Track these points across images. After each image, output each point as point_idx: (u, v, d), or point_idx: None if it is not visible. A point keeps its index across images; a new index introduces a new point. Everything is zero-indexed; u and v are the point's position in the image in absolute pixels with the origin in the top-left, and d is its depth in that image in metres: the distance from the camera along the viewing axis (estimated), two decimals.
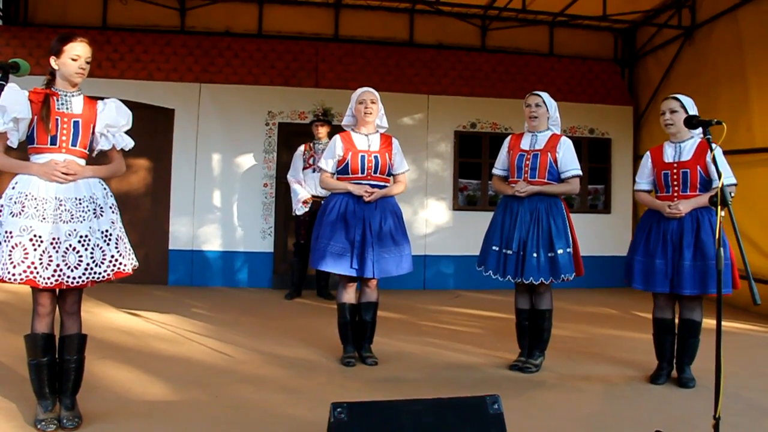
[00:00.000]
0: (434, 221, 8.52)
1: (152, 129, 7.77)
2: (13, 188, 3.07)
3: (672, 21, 8.20)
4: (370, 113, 4.50)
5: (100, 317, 5.78)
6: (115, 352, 4.59)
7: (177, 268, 7.95)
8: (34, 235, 2.99)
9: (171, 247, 7.93)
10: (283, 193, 7.84)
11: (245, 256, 8.09)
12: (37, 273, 2.98)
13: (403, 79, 8.60)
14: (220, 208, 8.08)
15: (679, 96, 4.18)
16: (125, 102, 3.45)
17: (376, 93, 4.58)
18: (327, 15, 8.76)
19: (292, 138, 7.97)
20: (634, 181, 4.62)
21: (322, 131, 7.28)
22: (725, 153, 6.52)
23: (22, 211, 3.01)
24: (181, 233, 7.96)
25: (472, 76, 8.82)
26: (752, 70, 6.91)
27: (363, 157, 4.47)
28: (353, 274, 4.41)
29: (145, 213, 7.94)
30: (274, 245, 8.16)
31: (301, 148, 7.30)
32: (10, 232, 2.97)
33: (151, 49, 8.14)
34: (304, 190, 7.15)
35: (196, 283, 7.95)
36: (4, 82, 2.58)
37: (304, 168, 7.20)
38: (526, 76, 8.94)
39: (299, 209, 7.15)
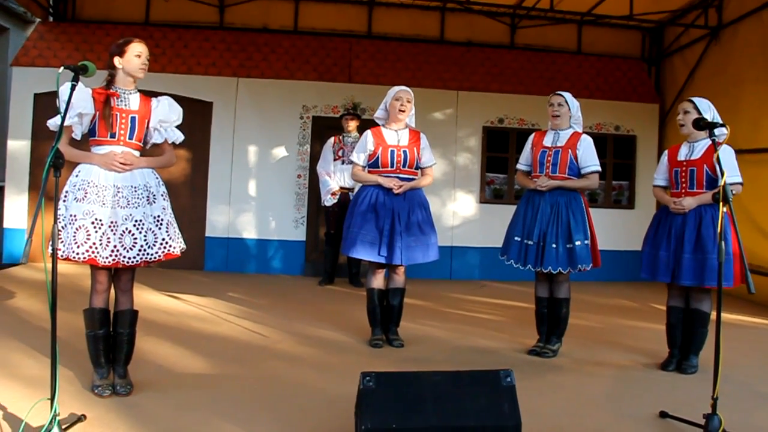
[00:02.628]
0: (462, 213, 8.77)
1: (191, 121, 8.03)
2: (77, 176, 3.40)
3: (698, 21, 8.32)
4: (404, 111, 4.77)
5: (141, 299, 6.12)
6: (158, 331, 4.93)
7: (213, 254, 8.32)
8: (96, 219, 3.33)
9: (208, 234, 8.30)
10: (315, 184, 8.12)
11: (279, 244, 8.44)
12: (98, 253, 3.31)
13: (434, 76, 8.84)
14: (255, 198, 8.42)
15: (695, 99, 4.37)
16: (165, 95, 3.76)
17: (412, 93, 4.86)
18: (360, 12, 9.04)
19: (325, 131, 8.26)
20: None
21: (352, 125, 7.56)
22: (749, 152, 6.72)
23: (85, 197, 3.34)
24: (218, 221, 8.33)
25: (501, 73, 9.03)
26: None
27: (393, 151, 4.75)
28: (382, 261, 4.69)
29: (183, 201, 8.29)
30: (306, 234, 8.48)
31: (331, 140, 7.58)
32: (75, 216, 3.30)
33: (191, 44, 8.49)
34: (333, 181, 7.44)
35: (231, 269, 8.31)
36: (75, 83, 2.92)
37: (334, 160, 7.49)
38: (554, 74, 9.12)
39: (328, 200, 7.44)
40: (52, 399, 2.74)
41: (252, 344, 4.76)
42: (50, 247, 3.02)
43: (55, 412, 2.72)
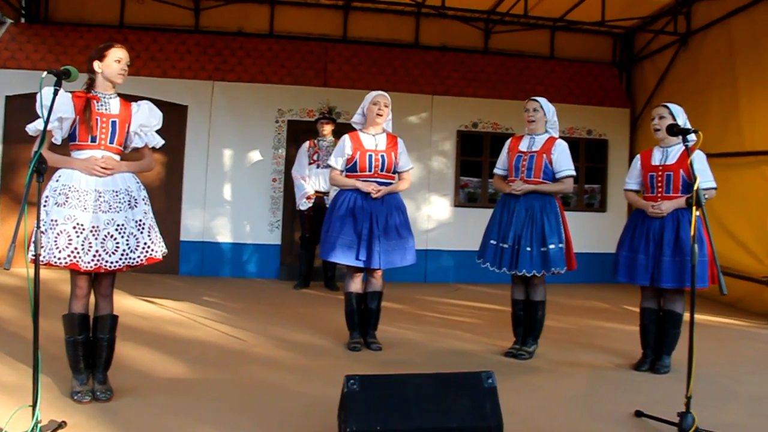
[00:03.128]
0: (436, 217, 8.83)
1: (166, 125, 7.68)
2: (57, 181, 3.39)
3: (668, 27, 8.50)
4: (381, 115, 4.82)
5: (117, 304, 5.96)
6: (135, 336, 4.90)
7: (188, 258, 8.27)
8: (77, 224, 3.31)
9: (182, 238, 8.24)
10: (290, 188, 8.11)
11: (254, 248, 8.42)
12: (80, 257, 3.30)
13: (408, 80, 8.90)
14: (231, 202, 8.40)
15: (669, 104, 4.48)
16: (138, 99, 3.75)
17: (389, 98, 4.90)
18: (336, 17, 9.05)
19: (300, 135, 8.26)
20: None
21: (327, 129, 7.59)
22: (717, 156, 6.87)
23: (66, 201, 3.33)
24: (193, 225, 8.29)
25: (475, 78, 9.12)
26: (742, 76, 7.19)
27: (371, 156, 4.79)
28: (361, 265, 4.73)
29: (158, 205, 7.99)
30: (281, 238, 8.48)
31: (306, 144, 7.61)
32: (56, 221, 3.29)
33: (166, 47, 8.44)
34: (308, 185, 7.46)
35: (206, 273, 8.27)
36: (58, 88, 2.91)
37: (309, 164, 7.51)
38: (527, 78, 9.24)
39: (303, 204, 7.46)
40: (33, 406, 2.73)
41: (230, 348, 4.76)
42: (31, 253, 3.02)
43: (37, 419, 2.71)
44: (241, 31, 8.80)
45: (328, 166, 5.04)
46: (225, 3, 8.63)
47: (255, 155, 8.45)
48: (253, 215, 8.43)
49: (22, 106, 7.35)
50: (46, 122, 2.93)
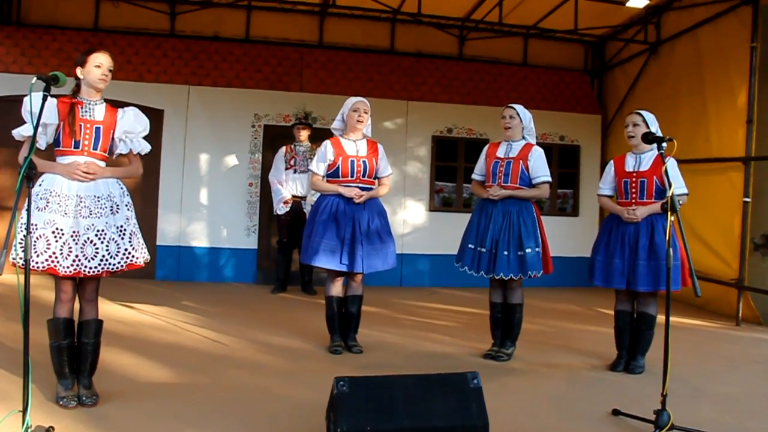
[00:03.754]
0: (411, 221, 8.92)
1: None
2: (39, 185, 3.39)
3: (638, 36, 8.71)
4: (362, 121, 4.89)
5: None
6: (117, 341, 4.88)
7: (164, 263, 8.24)
8: (56, 228, 3.32)
9: (159, 243, 8.21)
10: (267, 192, 8.14)
11: (230, 253, 8.42)
12: (58, 262, 3.31)
13: (384, 86, 8.98)
14: (207, 206, 8.39)
15: (642, 112, 4.62)
16: (115, 102, 3.77)
17: (369, 104, 4.98)
18: (312, 22, 9.10)
19: (276, 140, 8.28)
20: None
21: (303, 134, 7.66)
22: (686, 162, 7.07)
23: (47, 206, 3.33)
24: (169, 230, 8.26)
25: (450, 84, 9.23)
26: (709, 85, 7.41)
27: (353, 162, 4.85)
28: (344, 269, 4.79)
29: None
30: (258, 242, 8.50)
31: (282, 149, 7.66)
32: (35, 225, 3.28)
33: (142, 51, 8.42)
34: (285, 190, 7.52)
35: (182, 278, 8.25)
36: (48, 93, 2.93)
37: (286, 169, 7.57)
38: (501, 85, 9.38)
39: (280, 209, 7.52)
40: (24, 411, 2.74)
41: (213, 353, 4.78)
42: (16, 257, 3.04)
43: (27, 424, 2.72)
44: (217, 35, 8.80)
45: (308, 171, 5.09)
46: (201, 7, 8.63)
47: (231, 160, 8.46)
48: (229, 220, 8.44)
49: None
50: (35, 129, 2.93)
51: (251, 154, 8.50)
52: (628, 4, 7.64)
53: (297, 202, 7.51)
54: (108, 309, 6.07)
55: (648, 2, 7.61)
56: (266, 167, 8.21)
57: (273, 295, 7.52)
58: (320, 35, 9.12)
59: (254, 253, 8.49)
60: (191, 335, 5.29)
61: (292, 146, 7.64)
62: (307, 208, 7.45)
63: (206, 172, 8.41)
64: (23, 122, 3.34)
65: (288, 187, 7.54)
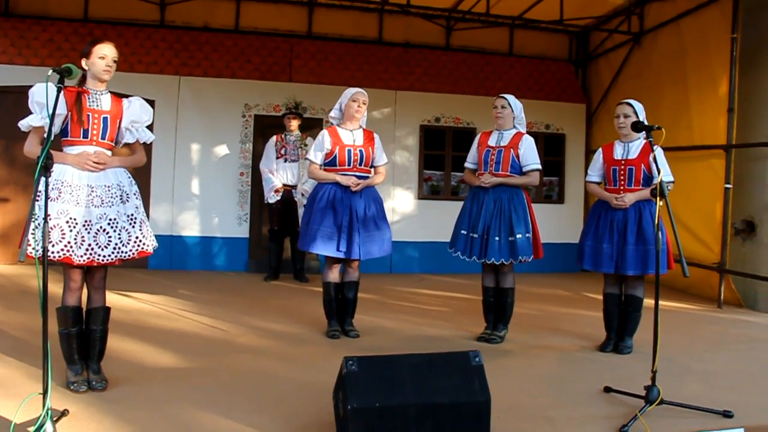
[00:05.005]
0: (400, 209, 9.05)
1: None
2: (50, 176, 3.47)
3: (622, 27, 8.87)
4: (360, 111, 5.01)
5: None
6: (119, 328, 4.93)
7: (157, 252, 8.05)
8: (70, 218, 3.40)
9: None
10: (258, 181, 8.22)
11: (222, 241, 8.51)
12: (73, 251, 3.39)
13: (372, 76, 9.08)
14: (198, 196, 8.47)
15: (632, 102, 4.77)
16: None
17: (367, 95, 5.09)
18: (301, 13, 9.16)
19: (267, 130, 8.38)
20: (586, 174, 5.23)
21: (294, 123, 7.76)
22: (669, 149, 7.23)
23: (59, 196, 3.41)
24: (161, 219, 8.33)
25: (437, 74, 9.35)
26: (692, 74, 7.59)
27: (350, 151, 4.97)
28: (341, 256, 4.91)
29: None
30: (249, 231, 8.59)
31: (273, 139, 7.76)
32: (49, 215, 3.36)
33: (132, 42, 8.44)
34: (275, 179, 7.63)
35: (175, 266, 8.34)
36: (62, 86, 3.01)
37: (277, 158, 7.67)
38: (488, 75, 9.50)
39: (271, 197, 7.62)
40: (44, 393, 2.84)
41: (214, 339, 4.89)
42: (32, 248, 3.12)
43: (48, 406, 2.82)
44: (207, 26, 8.83)
45: (297, 160, 5.18)
46: None
47: (222, 149, 8.53)
48: (221, 209, 8.52)
49: None
50: (51, 120, 3.00)
51: (242, 144, 8.57)
52: None
53: (288, 190, 7.62)
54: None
55: None
56: (257, 156, 8.29)
57: (266, 283, 7.63)
58: (309, 26, 9.19)
59: (246, 241, 8.58)
60: (190, 322, 5.39)
61: (283, 135, 7.73)
62: (297, 197, 7.57)
63: (197, 162, 8.48)
64: (24, 114, 3.40)
65: (279, 175, 7.65)
